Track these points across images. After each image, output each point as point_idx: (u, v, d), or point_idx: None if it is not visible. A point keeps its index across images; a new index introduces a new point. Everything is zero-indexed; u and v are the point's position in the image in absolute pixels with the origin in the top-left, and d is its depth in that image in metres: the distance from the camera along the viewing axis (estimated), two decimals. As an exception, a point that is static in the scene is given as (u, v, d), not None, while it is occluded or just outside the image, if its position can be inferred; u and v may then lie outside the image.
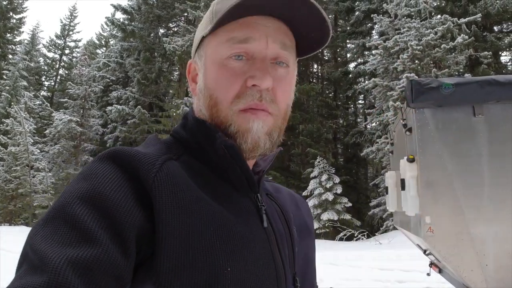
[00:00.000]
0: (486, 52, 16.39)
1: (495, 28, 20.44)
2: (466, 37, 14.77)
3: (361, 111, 28.32)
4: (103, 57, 32.78)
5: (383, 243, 13.98)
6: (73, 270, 0.47)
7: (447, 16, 15.61)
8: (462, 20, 15.57)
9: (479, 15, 15.93)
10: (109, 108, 23.82)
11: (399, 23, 17.09)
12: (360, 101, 29.24)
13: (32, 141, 23.35)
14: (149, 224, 0.56)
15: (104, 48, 40.07)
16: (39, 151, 23.93)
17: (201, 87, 0.75)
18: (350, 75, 25.75)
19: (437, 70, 14.70)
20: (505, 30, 20.57)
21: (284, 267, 0.72)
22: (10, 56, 33.64)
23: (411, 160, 3.14)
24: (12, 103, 25.61)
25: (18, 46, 35.46)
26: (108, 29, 38.52)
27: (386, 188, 4.31)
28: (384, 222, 17.12)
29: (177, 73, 28.45)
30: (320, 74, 29.74)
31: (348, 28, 26.66)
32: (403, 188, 3.28)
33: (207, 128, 0.71)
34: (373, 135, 19.28)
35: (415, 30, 15.57)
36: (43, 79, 40.31)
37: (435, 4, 19.09)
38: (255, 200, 0.74)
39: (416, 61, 14.97)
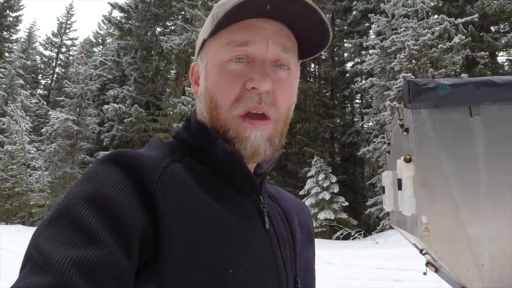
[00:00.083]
0: (483, 52, 16.44)
1: (492, 28, 20.50)
2: (463, 37, 14.81)
3: (358, 110, 28.39)
4: (100, 55, 32.65)
5: (380, 242, 14.01)
6: (77, 270, 0.48)
7: (444, 16, 15.66)
8: (459, 20, 15.62)
9: (476, 15, 15.98)
10: (106, 106, 23.75)
11: (396, 23, 17.12)
12: (357, 101, 29.31)
13: (28, 139, 23.22)
14: (152, 226, 0.57)
15: (101, 47, 39.93)
16: (35, 149, 23.81)
17: (202, 89, 0.75)
18: (347, 75, 25.79)
19: (434, 70, 14.74)
20: (502, 31, 20.65)
21: (286, 269, 0.72)
22: (7, 54, 33.44)
23: (408, 160, 3.16)
24: (9, 102, 25.45)
25: (15, 44, 35.27)
26: (105, 28, 38.36)
27: (383, 188, 4.32)
28: (380, 221, 17.16)
29: (174, 71, 28.43)
30: (317, 74, 29.77)
31: (345, 27, 26.69)
32: (399, 188, 3.30)
33: (207, 132, 0.72)
34: (370, 135, 19.31)
35: (412, 30, 15.60)
36: (40, 77, 40.13)
37: (432, 4, 19.12)
38: (257, 202, 0.74)
39: (413, 61, 15.00)
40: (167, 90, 27.04)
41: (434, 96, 3.15)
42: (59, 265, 0.47)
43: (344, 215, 17.70)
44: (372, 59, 18.22)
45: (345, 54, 28.82)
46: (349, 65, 27.49)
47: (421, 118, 3.20)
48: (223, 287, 0.59)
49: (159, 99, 26.92)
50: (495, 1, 17.54)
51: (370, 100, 19.70)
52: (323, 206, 17.76)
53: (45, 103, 31.40)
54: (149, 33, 26.73)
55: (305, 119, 22.44)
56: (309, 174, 18.80)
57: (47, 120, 25.56)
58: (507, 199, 3.00)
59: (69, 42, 40.95)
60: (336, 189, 18.01)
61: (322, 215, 17.21)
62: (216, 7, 0.74)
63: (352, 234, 16.63)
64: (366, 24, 24.82)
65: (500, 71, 20.04)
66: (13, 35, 35.28)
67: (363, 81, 19.05)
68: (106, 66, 28.82)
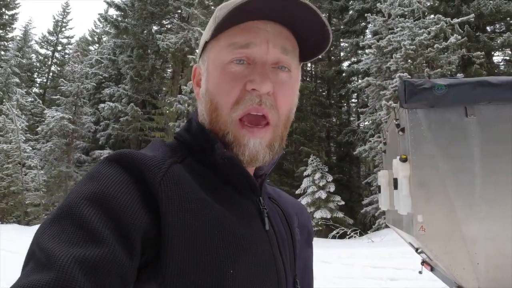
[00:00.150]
0: (478, 52, 16.47)
1: (488, 28, 20.55)
2: (459, 37, 14.85)
3: (354, 109, 28.40)
4: (96, 54, 32.55)
5: (376, 241, 14.04)
6: (80, 268, 0.48)
7: (440, 16, 15.68)
8: (455, 20, 15.65)
9: (472, 15, 16.01)
10: (102, 105, 23.65)
11: (392, 23, 17.14)
12: (353, 100, 29.34)
13: (24, 138, 23.13)
14: (154, 226, 0.57)
15: (97, 45, 39.75)
16: (31, 148, 23.72)
17: (203, 91, 0.76)
18: (344, 74, 25.82)
19: (429, 69, 14.77)
20: (498, 30, 20.70)
21: (285, 269, 0.73)
22: (2, 53, 33.25)
23: (404, 160, 3.17)
24: (4, 100, 25.37)
25: (10, 42, 35.09)
26: (101, 26, 38.19)
27: (379, 187, 4.34)
28: (376, 220, 17.20)
29: (170, 70, 28.34)
30: (313, 73, 29.78)
31: (342, 27, 26.69)
32: (395, 187, 3.31)
33: (207, 135, 0.72)
34: (366, 134, 19.34)
35: (409, 30, 15.62)
36: (35, 76, 39.94)
37: (429, 4, 19.17)
38: (257, 203, 0.75)
39: (409, 61, 15.02)
40: (164, 88, 26.96)
41: (430, 96, 3.17)
42: (62, 263, 0.48)
43: (340, 214, 17.72)
44: (368, 59, 18.24)
45: (342, 54, 28.85)
46: (345, 64, 27.52)
47: (417, 118, 3.22)
48: (224, 286, 0.59)
49: (155, 97, 26.86)
50: (491, 1, 17.59)
51: (366, 100, 19.73)
52: (319, 205, 17.78)
53: (40, 101, 31.30)
54: (145, 32, 26.64)
55: (302, 118, 22.45)
56: (305, 173, 18.80)
57: (43, 119, 25.47)
58: (503, 199, 3.02)
59: (65, 41, 40.78)
60: (332, 188, 18.03)
61: (318, 214, 17.23)
62: (218, 9, 0.74)
63: (348, 233, 16.66)
64: (363, 23, 24.85)
65: (496, 71, 20.11)
66: (8, 33, 35.09)
67: (360, 81, 19.08)
68: (102, 64, 28.74)
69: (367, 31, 25.18)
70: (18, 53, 33.27)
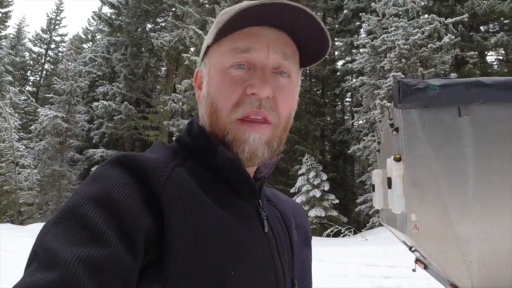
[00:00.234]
0: (472, 52, 16.55)
1: (481, 28, 20.65)
2: (453, 37, 14.92)
3: (348, 108, 28.51)
4: (90, 52, 32.38)
5: (369, 239, 14.11)
6: (84, 268, 0.49)
7: (434, 16, 15.75)
8: (449, 20, 15.71)
9: (466, 15, 16.08)
10: (95, 103, 23.51)
11: (386, 22, 17.20)
12: (347, 99, 29.41)
13: (17, 137, 22.96)
14: (157, 228, 0.58)
15: (91, 43, 39.50)
16: (24, 147, 23.55)
17: (205, 94, 0.77)
18: (338, 73, 25.86)
19: (423, 69, 14.83)
20: (492, 30, 20.80)
21: (284, 271, 0.74)
22: (-5, 51, 33.03)
23: (398, 159, 3.19)
24: (-3, 98, 25.17)
25: (4, 40, 34.76)
26: (95, 24, 37.95)
27: (373, 186, 4.36)
28: (370, 219, 17.27)
29: (164, 68, 28.25)
30: (308, 72, 29.76)
31: (336, 26, 26.73)
32: (389, 186, 3.32)
33: (208, 138, 0.73)
34: (360, 133, 19.40)
35: (403, 30, 15.68)
36: (29, 74, 39.63)
37: (423, 3, 19.24)
38: (256, 206, 0.76)
39: (403, 60, 15.08)
40: (158, 87, 26.86)
41: (424, 97, 3.19)
42: (66, 262, 0.48)
43: (334, 213, 17.77)
44: (362, 58, 18.28)
45: (336, 53, 28.88)
46: (340, 63, 27.56)
47: (410, 118, 3.24)
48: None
49: (150, 96, 26.79)
50: (485, 1, 17.67)
51: (360, 99, 19.78)
52: (314, 203, 17.83)
53: (34, 100, 31.06)
54: (139, 30, 26.52)
55: (296, 117, 22.36)
56: (300, 172, 18.84)
57: (36, 118, 25.30)
58: (496, 199, 3.04)
59: (58, 39, 40.49)
60: (326, 186, 18.07)
61: (312, 213, 17.28)
62: (220, 14, 0.76)
63: (342, 231, 16.73)
64: (357, 23, 24.91)
65: (489, 71, 20.23)
66: (2, 31, 34.76)
67: (354, 80, 19.11)
68: (96, 62, 28.59)
69: (362, 30, 25.24)
70: (11, 51, 32.99)
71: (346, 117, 28.41)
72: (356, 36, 24.85)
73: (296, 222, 0.92)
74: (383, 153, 4.42)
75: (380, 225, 13.51)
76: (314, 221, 17.22)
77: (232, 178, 0.72)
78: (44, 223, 0.58)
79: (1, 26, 34.29)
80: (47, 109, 24.61)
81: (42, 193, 22.71)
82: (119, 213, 0.56)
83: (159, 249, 0.58)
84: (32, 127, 24.37)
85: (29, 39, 39.99)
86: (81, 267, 0.49)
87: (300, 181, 18.54)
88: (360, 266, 8.43)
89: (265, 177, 0.80)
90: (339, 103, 29.48)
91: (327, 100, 27.09)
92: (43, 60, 39.56)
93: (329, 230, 16.65)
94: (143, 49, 26.02)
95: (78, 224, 0.54)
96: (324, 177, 18.35)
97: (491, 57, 23.24)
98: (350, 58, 25.47)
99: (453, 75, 13.55)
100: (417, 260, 3.98)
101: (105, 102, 23.24)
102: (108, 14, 26.90)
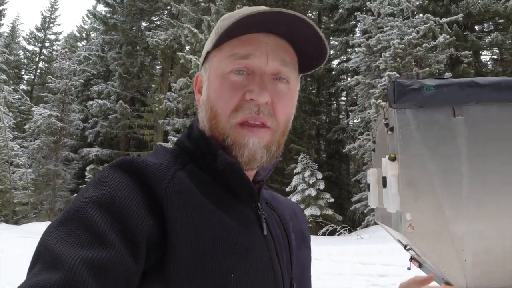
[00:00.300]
0: (466, 51, 16.66)
1: (476, 27, 20.75)
2: (448, 36, 14.99)
3: (343, 108, 28.54)
4: (84, 50, 32.23)
5: (365, 237, 14.17)
6: (88, 269, 0.49)
7: (429, 15, 15.82)
8: (444, 19, 15.79)
9: (461, 14, 16.17)
10: (90, 102, 23.47)
11: (382, 22, 17.23)
12: (342, 98, 29.43)
13: (11, 136, 22.82)
14: (159, 231, 0.59)
15: (85, 41, 39.29)
16: (18, 146, 23.41)
17: (204, 99, 0.78)
18: (333, 72, 25.89)
19: (418, 68, 14.89)
20: (486, 30, 20.91)
21: (282, 273, 0.75)
22: (-11, 50, 32.78)
23: (393, 159, 3.21)
24: (-9, 97, 24.98)
25: (-3, 39, 34.58)
26: (90, 22, 37.76)
27: (368, 185, 4.38)
28: (365, 217, 17.33)
29: (159, 67, 28.22)
30: (303, 71, 29.76)
31: (331, 25, 26.77)
32: (384, 185, 3.34)
33: (208, 142, 0.74)
34: (355, 132, 19.45)
35: (398, 29, 15.73)
36: (23, 73, 39.34)
37: (418, 3, 19.32)
38: (255, 209, 0.77)
39: (398, 60, 15.13)
40: (153, 86, 26.79)
41: (419, 97, 3.21)
42: (70, 263, 0.49)
43: (329, 211, 17.82)
44: (357, 57, 18.34)
45: (331, 52, 28.91)
46: (335, 62, 27.57)
47: (405, 118, 3.25)
48: None
49: (145, 95, 26.72)
50: (479, 1, 17.75)
51: (355, 98, 19.85)
52: (309, 202, 17.87)
53: (28, 99, 30.89)
54: (134, 28, 26.44)
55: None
56: (295, 171, 18.86)
57: (30, 117, 25.16)
58: (490, 198, 3.07)
59: (52, 37, 40.23)
60: (322, 185, 18.11)
61: (308, 212, 17.31)
62: (220, 20, 0.77)
63: (337, 230, 16.79)
64: (352, 22, 24.95)
65: (484, 70, 20.33)
66: (-5, 29, 34.56)
67: (349, 79, 19.19)
68: (91, 61, 28.46)
69: (357, 29, 25.23)
70: (5, 50, 32.73)
71: (341, 116, 28.43)
72: (351, 35, 24.91)
73: (293, 223, 0.93)
74: (378, 153, 4.43)
75: (375, 223, 13.56)
76: (309, 219, 17.24)
77: (232, 181, 0.73)
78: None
79: (-5, 25, 34.05)
80: (42, 108, 24.49)
81: (36, 193, 22.61)
82: (122, 216, 0.57)
83: (161, 252, 0.59)
84: (27, 126, 24.21)
85: (23, 37, 39.76)
86: (85, 268, 0.49)
87: (295, 180, 18.57)
88: (356, 264, 8.47)
89: (264, 180, 0.81)
90: (335, 102, 29.50)
91: (322, 99, 27.13)
92: (37, 59, 39.31)
93: (324, 229, 16.71)
94: (138, 47, 25.94)
95: (82, 226, 0.54)
96: (320, 176, 18.39)
97: (485, 56, 23.39)
98: (345, 57, 25.52)
99: (447, 74, 13.64)
100: (412, 259, 4.00)
101: (100, 101, 23.18)
102: (103, 12, 26.78)
